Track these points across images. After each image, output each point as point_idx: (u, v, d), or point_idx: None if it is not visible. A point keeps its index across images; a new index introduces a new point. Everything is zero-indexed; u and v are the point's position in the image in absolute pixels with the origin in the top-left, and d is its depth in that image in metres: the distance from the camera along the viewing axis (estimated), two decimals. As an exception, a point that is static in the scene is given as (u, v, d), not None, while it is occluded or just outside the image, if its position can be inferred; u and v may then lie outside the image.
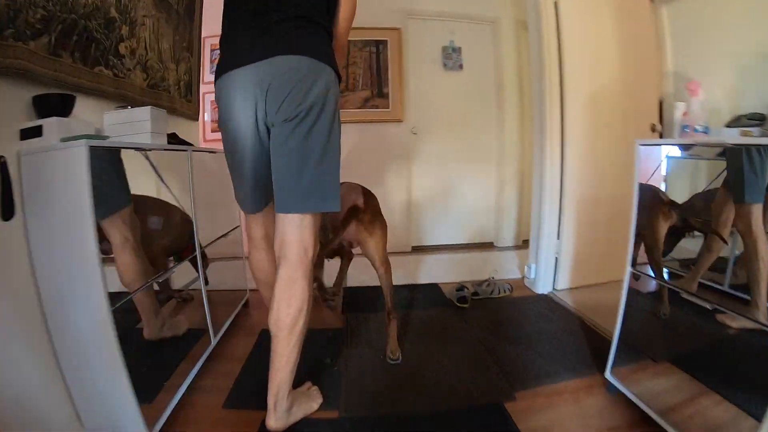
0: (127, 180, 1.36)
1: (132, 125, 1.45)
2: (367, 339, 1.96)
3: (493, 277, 2.47)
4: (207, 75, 3.42)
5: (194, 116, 2.45)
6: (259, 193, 1.40)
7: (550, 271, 2.51)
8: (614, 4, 2.43)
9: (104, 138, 1.36)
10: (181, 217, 1.82)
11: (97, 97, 1.57)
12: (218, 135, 3.23)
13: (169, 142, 1.75)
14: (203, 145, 3.44)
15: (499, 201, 3.67)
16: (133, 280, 1.35)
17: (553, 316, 2.16)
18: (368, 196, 1.82)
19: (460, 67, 3.54)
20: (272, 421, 1.29)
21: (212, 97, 3.46)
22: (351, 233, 1.76)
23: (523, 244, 3.62)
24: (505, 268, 2.98)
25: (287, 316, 1.25)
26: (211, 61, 3.42)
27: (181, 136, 1.91)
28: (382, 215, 1.81)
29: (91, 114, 1.52)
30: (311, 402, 1.45)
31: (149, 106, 1.46)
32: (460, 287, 2.27)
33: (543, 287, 2.51)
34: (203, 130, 3.48)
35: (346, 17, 1.35)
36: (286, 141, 1.19)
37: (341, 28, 1.35)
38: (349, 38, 1.57)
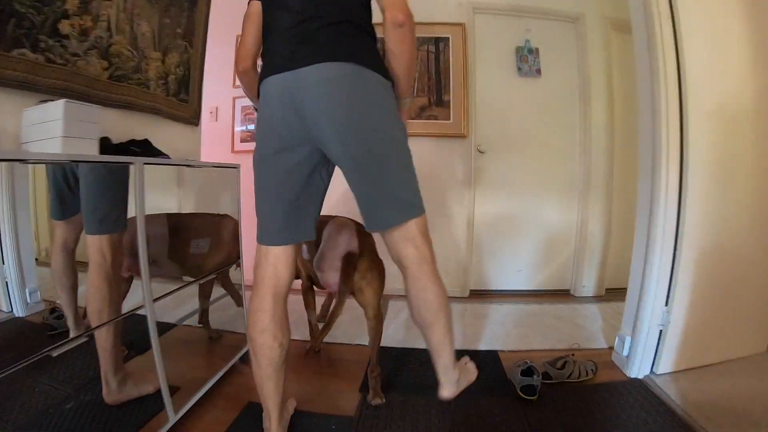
0: (126, 204, 1.24)
1: (45, 127, 1.01)
2: (383, 437, 1.40)
3: (572, 354, 1.82)
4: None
5: (192, 120, 2.01)
6: (290, 221, 1.21)
7: (650, 348, 1.81)
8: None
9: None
10: (234, 227, 1.87)
11: (25, 90, 1.17)
12: (248, 145, 2.84)
13: (128, 150, 1.32)
14: (230, 158, 3.05)
15: (580, 241, 2.99)
16: (98, 310, 1.19)
17: (653, 423, 1.47)
18: (362, 235, 1.60)
19: (538, 72, 2.92)
20: (446, 392, 1.35)
21: (243, 103, 3.09)
22: (332, 284, 1.61)
23: (607, 294, 2.93)
24: (584, 329, 2.31)
25: (428, 305, 1.22)
26: (245, 61, 3.04)
27: (173, 144, 1.50)
28: (378, 256, 1.61)
29: (11, 112, 1.13)
30: (470, 374, 1.46)
31: (63, 100, 1.02)
32: (527, 368, 1.64)
33: (638, 369, 1.81)
34: (232, 141, 3.09)
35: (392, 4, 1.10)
36: (347, 156, 1.11)
37: (389, 20, 1.10)
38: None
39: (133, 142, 1.41)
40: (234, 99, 3.07)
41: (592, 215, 2.94)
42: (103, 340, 1.23)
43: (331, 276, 1.63)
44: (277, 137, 1.14)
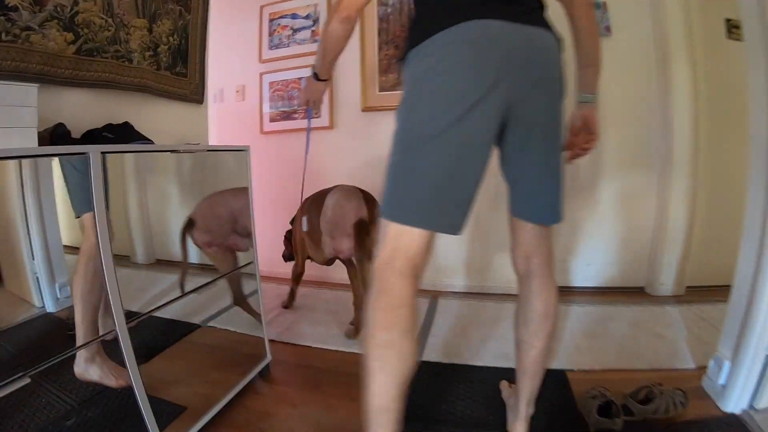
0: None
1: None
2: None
3: (660, 384, 1.48)
4: (265, 50, 2.80)
5: (193, 97, 1.78)
6: (471, 203, 1.02)
7: (753, 375, 1.43)
8: None
9: None
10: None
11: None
12: (277, 125, 2.60)
13: (99, 137, 1.12)
14: (258, 139, 2.83)
15: (658, 228, 2.57)
16: (75, 283, 1.12)
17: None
18: (371, 202, 1.63)
19: (607, 29, 2.51)
20: (522, 429, 1.27)
21: (271, 78, 2.84)
22: (346, 250, 1.67)
23: (687, 294, 2.51)
24: (666, 341, 1.93)
25: (549, 304, 1.17)
26: (270, 34, 2.77)
27: (170, 126, 1.34)
28: None
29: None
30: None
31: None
32: (605, 403, 1.34)
33: (736, 401, 1.45)
34: (261, 121, 2.87)
35: None
36: (544, 136, 1.06)
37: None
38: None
39: (109, 126, 1.22)
40: (261, 75, 2.83)
41: (674, 198, 2.50)
42: (81, 314, 1.14)
43: (344, 242, 1.64)
44: (467, 102, 0.93)
